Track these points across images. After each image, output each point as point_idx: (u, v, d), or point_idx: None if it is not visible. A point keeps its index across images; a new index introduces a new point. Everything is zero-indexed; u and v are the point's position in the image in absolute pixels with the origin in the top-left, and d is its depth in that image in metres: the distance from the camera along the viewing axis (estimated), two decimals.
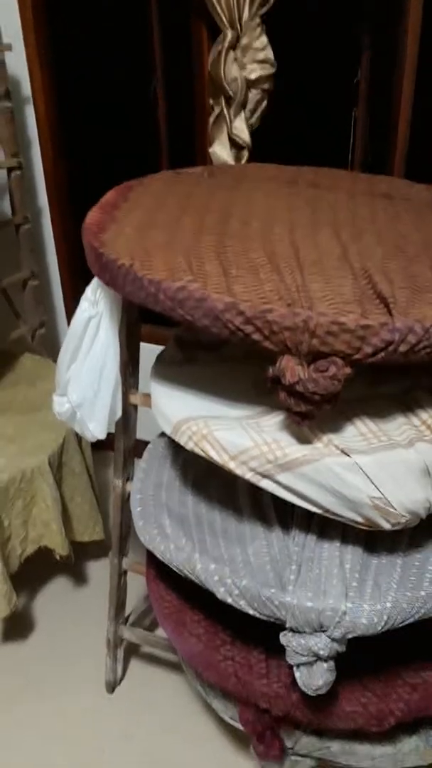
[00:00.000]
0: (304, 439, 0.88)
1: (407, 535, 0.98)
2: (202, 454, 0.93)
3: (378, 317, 0.77)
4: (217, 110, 1.54)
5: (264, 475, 0.88)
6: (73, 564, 1.79)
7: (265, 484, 0.89)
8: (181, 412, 0.99)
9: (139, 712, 1.52)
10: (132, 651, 1.64)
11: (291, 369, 0.78)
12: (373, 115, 1.89)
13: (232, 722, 1.19)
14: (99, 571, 1.87)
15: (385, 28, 1.71)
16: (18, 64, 1.81)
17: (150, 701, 1.54)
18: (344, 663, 0.95)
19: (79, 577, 1.86)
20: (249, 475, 0.90)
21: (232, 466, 0.90)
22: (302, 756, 1.12)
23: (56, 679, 1.59)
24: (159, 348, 1.22)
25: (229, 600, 0.95)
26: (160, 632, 1.58)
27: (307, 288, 0.83)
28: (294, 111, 1.85)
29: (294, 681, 1.00)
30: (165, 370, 1.13)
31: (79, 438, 1.66)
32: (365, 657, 1.04)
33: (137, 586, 1.62)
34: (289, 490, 0.88)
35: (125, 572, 1.44)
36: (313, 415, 0.82)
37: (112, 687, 1.56)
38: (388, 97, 1.72)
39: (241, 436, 0.90)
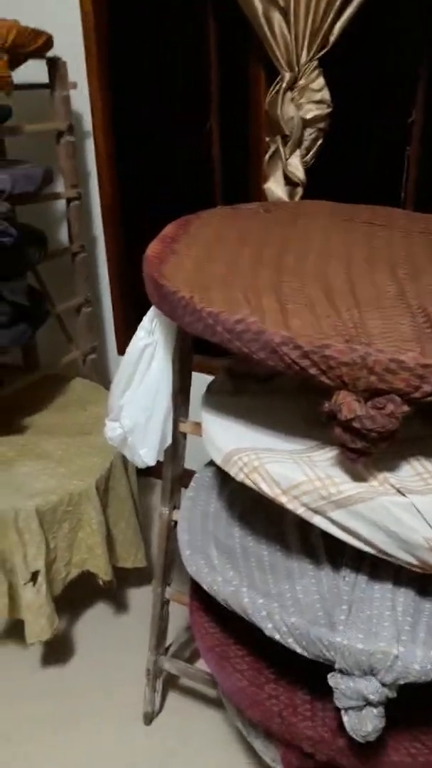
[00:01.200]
0: (358, 477, 0.87)
1: None
2: (252, 486, 0.93)
3: None
4: (273, 148, 1.57)
5: (316, 511, 0.88)
6: (114, 590, 1.79)
7: (318, 521, 0.88)
8: (232, 442, 0.99)
9: (176, 746, 1.50)
10: (171, 682, 1.63)
11: (348, 404, 0.78)
12: (426, 154, 1.90)
13: (273, 764, 1.16)
14: (140, 598, 1.87)
15: None
16: (81, 100, 1.90)
17: (187, 736, 1.52)
18: (393, 710, 0.92)
19: (120, 604, 1.86)
20: (301, 511, 0.89)
21: (283, 500, 0.90)
22: None
23: (94, 707, 1.59)
24: (207, 377, 1.24)
25: (277, 637, 0.93)
26: (200, 665, 1.56)
27: (364, 324, 0.84)
28: (348, 150, 1.87)
29: (340, 725, 0.97)
30: (216, 399, 1.14)
31: (125, 463, 1.68)
32: (415, 704, 1.01)
33: (179, 616, 1.61)
34: (341, 527, 0.87)
35: (167, 601, 1.43)
36: (369, 453, 0.82)
37: (150, 719, 1.54)
38: None
39: (293, 470, 0.90)
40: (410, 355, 0.76)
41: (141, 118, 2.21)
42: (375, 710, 0.87)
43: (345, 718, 0.89)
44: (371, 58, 1.86)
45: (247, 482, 0.93)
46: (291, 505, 0.89)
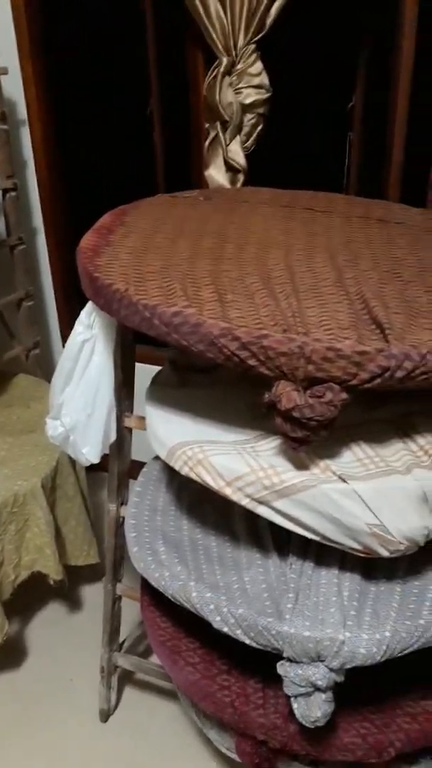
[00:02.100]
0: (300, 465, 0.87)
1: (406, 561, 0.96)
2: (197, 479, 0.92)
3: (374, 343, 0.76)
4: (212, 134, 1.55)
5: (260, 502, 0.87)
6: (66, 589, 1.77)
7: (262, 511, 0.88)
8: (176, 436, 0.98)
9: (134, 742, 1.49)
10: (127, 678, 1.61)
11: (287, 395, 0.78)
12: (368, 139, 1.91)
13: (228, 753, 1.17)
14: (93, 595, 1.84)
15: (379, 53, 1.74)
16: (14, 86, 1.83)
17: (145, 730, 1.51)
18: (342, 692, 0.93)
19: (73, 602, 1.83)
20: (245, 502, 0.88)
21: (228, 492, 0.89)
22: None
23: (49, 707, 1.56)
24: (152, 368, 1.22)
25: (225, 629, 0.93)
26: (155, 659, 1.56)
27: (302, 313, 0.83)
28: (289, 135, 1.87)
29: (291, 712, 0.98)
30: (160, 393, 1.12)
31: (73, 460, 1.64)
32: (363, 685, 1.02)
33: (132, 611, 1.59)
34: (285, 516, 0.87)
35: (119, 598, 1.42)
36: (309, 441, 0.81)
37: (106, 716, 1.53)
38: (383, 122, 1.74)
39: (237, 461, 0.89)
40: (347, 343, 0.76)
41: (79, 103, 2.15)
42: (323, 695, 0.88)
43: (294, 705, 0.90)
44: (310, 41, 1.86)
45: (192, 476, 0.92)
46: (236, 497, 0.89)
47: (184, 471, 0.94)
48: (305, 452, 0.86)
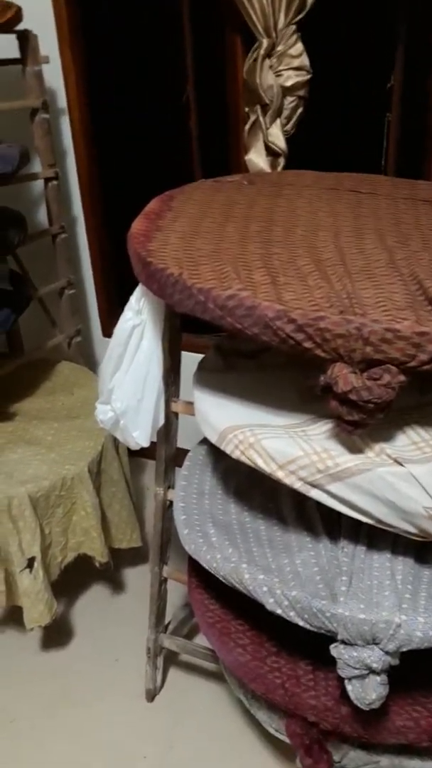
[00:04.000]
0: (355, 449, 0.86)
1: None
2: (249, 462, 0.93)
3: None
4: (252, 118, 1.54)
5: (314, 485, 0.87)
6: (111, 571, 1.80)
7: (315, 494, 0.88)
8: (226, 420, 0.98)
9: (180, 721, 1.51)
10: (171, 659, 1.64)
11: (344, 377, 0.77)
12: (407, 119, 1.87)
13: (277, 734, 1.18)
14: (136, 577, 1.87)
15: (419, 33, 1.70)
16: (54, 76, 1.84)
17: (190, 710, 1.54)
18: (395, 675, 0.93)
19: (117, 585, 1.86)
20: (298, 485, 0.89)
21: (280, 475, 0.90)
22: None
23: (95, 687, 1.60)
24: (195, 356, 1.23)
25: (279, 611, 0.94)
26: (200, 640, 1.58)
27: (357, 295, 0.82)
28: (328, 117, 1.84)
29: (343, 694, 0.98)
30: (207, 377, 1.12)
31: (116, 445, 1.66)
32: (416, 669, 1.02)
33: (175, 593, 1.61)
34: (339, 500, 0.87)
35: (165, 580, 1.44)
36: (365, 424, 0.81)
37: (152, 695, 1.56)
38: (422, 102, 1.71)
39: (289, 444, 0.89)
40: (406, 324, 0.75)
41: (117, 91, 2.15)
42: (378, 678, 0.88)
43: (349, 687, 0.90)
44: (349, 21, 1.82)
45: (243, 459, 0.93)
46: (288, 480, 0.89)
47: (236, 454, 0.94)
48: (359, 436, 0.86)
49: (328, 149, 1.81)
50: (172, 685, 1.60)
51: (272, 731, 1.19)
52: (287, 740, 1.15)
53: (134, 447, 1.20)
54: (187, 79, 2.06)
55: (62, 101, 1.90)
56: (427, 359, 0.75)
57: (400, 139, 1.92)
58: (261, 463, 0.90)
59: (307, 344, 0.78)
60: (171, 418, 1.24)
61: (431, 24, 1.52)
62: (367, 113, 1.98)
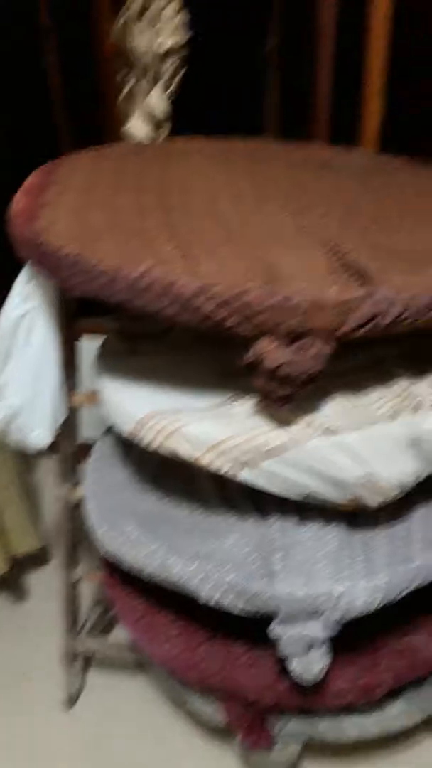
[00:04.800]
0: (283, 423, 0.84)
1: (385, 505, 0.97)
2: (172, 451, 0.87)
3: (358, 290, 0.74)
4: (129, 84, 1.44)
5: (244, 465, 0.84)
6: (12, 579, 1.67)
7: (245, 475, 0.85)
8: (141, 408, 0.92)
9: (105, 721, 1.45)
10: (88, 660, 1.56)
11: (271, 352, 0.74)
12: (287, 81, 1.85)
13: (212, 721, 1.16)
14: (40, 581, 1.75)
15: None
16: None
17: (114, 708, 1.47)
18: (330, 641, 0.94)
19: (20, 592, 1.74)
20: (227, 468, 0.85)
21: (208, 459, 0.85)
22: (291, 739, 1.11)
23: (10, 702, 1.48)
24: (92, 342, 1.14)
25: (214, 600, 0.90)
26: (115, 634, 1.52)
27: (275, 265, 0.79)
28: (206, 81, 1.78)
29: (282, 669, 0.98)
30: (112, 364, 1.05)
31: (3, 445, 1.53)
32: (345, 628, 1.03)
33: (84, 591, 1.53)
34: (271, 478, 0.84)
35: (77, 581, 1.35)
36: (294, 398, 0.79)
37: (73, 701, 1.48)
38: (302, 63, 1.69)
39: (214, 426, 0.85)
40: (331, 292, 0.73)
41: None
42: (320, 651, 0.88)
43: (293, 665, 0.90)
44: None
45: (166, 447, 0.87)
46: (217, 464, 0.85)
47: (156, 444, 0.88)
48: (288, 409, 0.83)
49: (211, 114, 1.75)
50: (93, 686, 1.52)
51: (207, 717, 1.17)
52: (222, 724, 1.14)
53: (34, 448, 1.09)
54: (49, 42, 1.90)
55: None
56: (353, 327, 0.74)
57: (282, 101, 1.91)
58: (186, 450, 0.85)
59: (231, 321, 0.74)
60: (72, 411, 1.14)
61: None
62: (246, 76, 1.94)
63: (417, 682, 1.08)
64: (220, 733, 1.39)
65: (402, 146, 1.38)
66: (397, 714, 1.08)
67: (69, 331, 1.07)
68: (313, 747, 1.26)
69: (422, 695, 1.10)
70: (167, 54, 1.38)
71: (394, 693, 1.08)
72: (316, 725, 1.09)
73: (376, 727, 1.09)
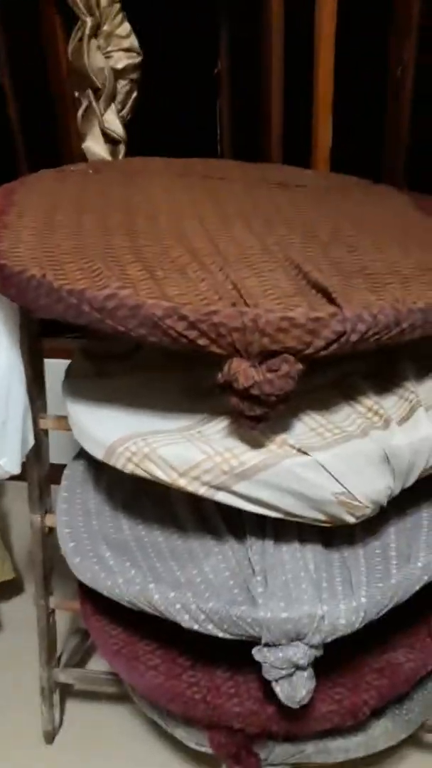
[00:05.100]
0: (257, 444, 0.83)
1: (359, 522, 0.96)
2: (146, 475, 0.85)
3: (325, 308, 0.73)
4: (84, 103, 1.43)
5: (220, 488, 0.82)
6: None
7: (222, 497, 0.83)
8: (112, 432, 0.90)
9: (87, 755, 1.40)
10: (67, 691, 1.51)
11: (244, 372, 0.73)
12: (237, 104, 1.87)
13: (198, 748, 1.13)
14: (12, 612, 1.70)
15: (241, 18, 1.69)
16: None
17: (96, 741, 1.43)
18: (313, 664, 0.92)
19: None
20: (203, 490, 0.83)
21: (182, 483, 0.83)
22: (277, 765, 1.09)
23: None
24: (56, 363, 1.12)
25: (196, 627, 0.88)
26: (94, 664, 1.48)
27: (243, 285, 0.78)
28: (159, 102, 1.78)
29: (266, 694, 0.96)
30: (80, 386, 1.02)
31: None
32: (327, 650, 1.02)
33: (60, 622, 1.48)
34: (247, 499, 0.83)
35: (53, 612, 1.31)
36: (267, 418, 0.78)
37: (51, 736, 1.43)
38: (252, 85, 1.71)
39: (188, 449, 0.83)
40: (299, 311, 0.72)
41: None
42: (305, 673, 0.87)
43: (277, 689, 0.88)
44: (170, 3, 1.77)
45: (139, 472, 0.85)
46: (191, 487, 0.83)
47: (129, 468, 0.86)
48: (260, 430, 0.82)
49: (165, 134, 1.75)
50: (72, 719, 1.48)
51: (193, 746, 1.14)
52: (210, 752, 1.11)
53: (3, 476, 1.06)
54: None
55: None
56: (323, 345, 0.73)
57: (233, 123, 1.92)
58: (160, 474, 0.83)
59: (202, 341, 0.72)
60: (41, 436, 1.12)
61: (253, 10, 1.52)
62: (198, 99, 1.95)
63: (398, 700, 1.07)
64: (207, 761, 1.36)
65: (351, 165, 1.40)
66: (380, 734, 1.06)
67: (34, 353, 1.05)
68: None
69: (405, 712, 1.09)
70: (121, 74, 1.38)
71: (377, 713, 1.07)
72: (303, 749, 1.07)
73: (362, 748, 1.07)
